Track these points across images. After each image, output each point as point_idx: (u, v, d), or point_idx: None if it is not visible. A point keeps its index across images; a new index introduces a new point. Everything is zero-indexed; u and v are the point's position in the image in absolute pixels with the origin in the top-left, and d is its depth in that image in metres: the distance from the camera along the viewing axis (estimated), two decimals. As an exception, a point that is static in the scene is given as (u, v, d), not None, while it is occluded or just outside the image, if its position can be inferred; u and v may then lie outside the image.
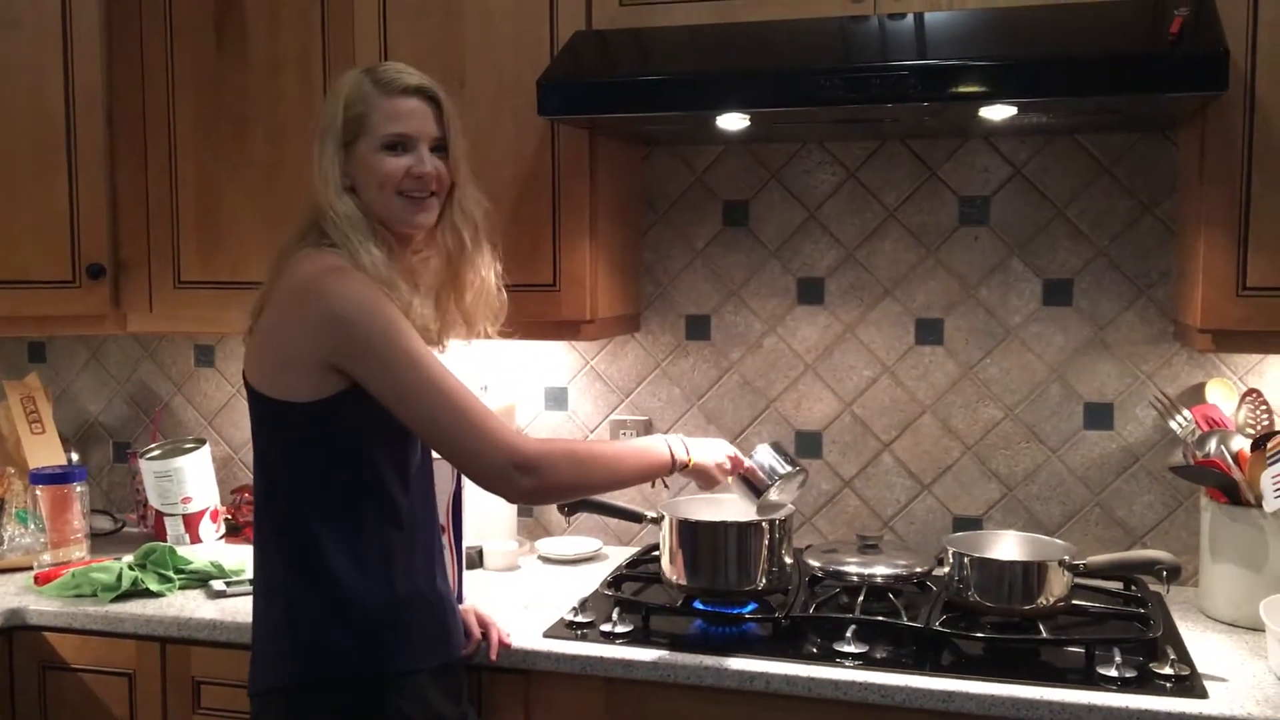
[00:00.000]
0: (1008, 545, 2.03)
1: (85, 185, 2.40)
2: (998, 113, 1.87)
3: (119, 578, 2.16)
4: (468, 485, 2.11)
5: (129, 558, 2.25)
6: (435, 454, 1.85)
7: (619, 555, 2.41)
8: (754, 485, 1.95)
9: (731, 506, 2.14)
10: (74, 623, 2.11)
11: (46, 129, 2.38)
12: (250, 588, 1.86)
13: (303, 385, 1.63)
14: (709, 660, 1.82)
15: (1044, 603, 1.88)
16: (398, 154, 1.70)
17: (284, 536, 1.69)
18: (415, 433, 1.68)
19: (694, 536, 2.01)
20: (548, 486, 1.68)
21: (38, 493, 2.38)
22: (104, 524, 2.71)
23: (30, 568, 2.30)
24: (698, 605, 2.02)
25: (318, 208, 1.69)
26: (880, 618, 1.92)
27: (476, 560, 2.34)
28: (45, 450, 2.58)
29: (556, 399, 2.58)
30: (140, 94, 2.41)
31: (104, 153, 2.42)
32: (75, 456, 2.73)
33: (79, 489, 2.41)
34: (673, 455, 1.83)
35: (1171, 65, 1.68)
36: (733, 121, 2.00)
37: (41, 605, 2.14)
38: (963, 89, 1.77)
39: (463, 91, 2.19)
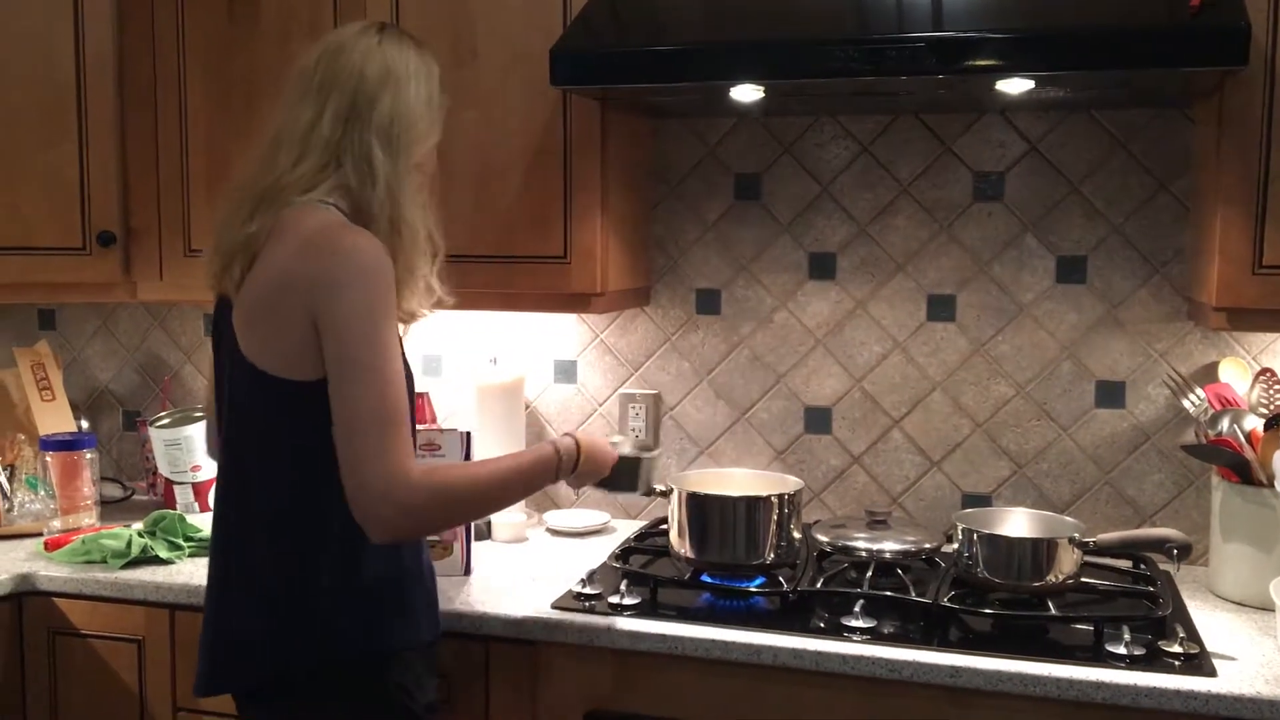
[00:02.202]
0: (1017, 522, 2.02)
1: (96, 152, 2.40)
2: (1014, 86, 1.85)
3: (129, 545, 2.17)
4: (475, 457, 2.11)
5: (138, 525, 2.25)
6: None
7: (627, 528, 2.42)
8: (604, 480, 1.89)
9: (742, 481, 2.15)
10: (84, 589, 2.12)
11: (57, 96, 2.37)
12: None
13: (315, 359, 1.56)
14: (717, 633, 1.82)
15: (1053, 580, 1.88)
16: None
17: (296, 521, 1.62)
18: (334, 412, 1.53)
19: (703, 510, 2.01)
20: (416, 528, 1.60)
21: (48, 459, 2.39)
22: (113, 492, 2.72)
23: (40, 534, 2.31)
24: (706, 578, 2.02)
25: (390, 149, 1.64)
26: (888, 593, 1.91)
27: (485, 532, 2.35)
28: (55, 417, 2.58)
29: (565, 372, 2.57)
30: (151, 61, 2.40)
31: (115, 120, 2.41)
32: (85, 424, 2.74)
33: (89, 456, 2.41)
34: (559, 463, 1.74)
35: (1191, 39, 1.66)
36: (746, 93, 1.98)
37: (51, 571, 2.15)
38: (980, 61, 1.75)
39: (474, 62, 2.18)
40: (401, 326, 1.70)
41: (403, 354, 1.62)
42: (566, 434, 1.79)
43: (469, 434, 2.12)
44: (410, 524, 1.56)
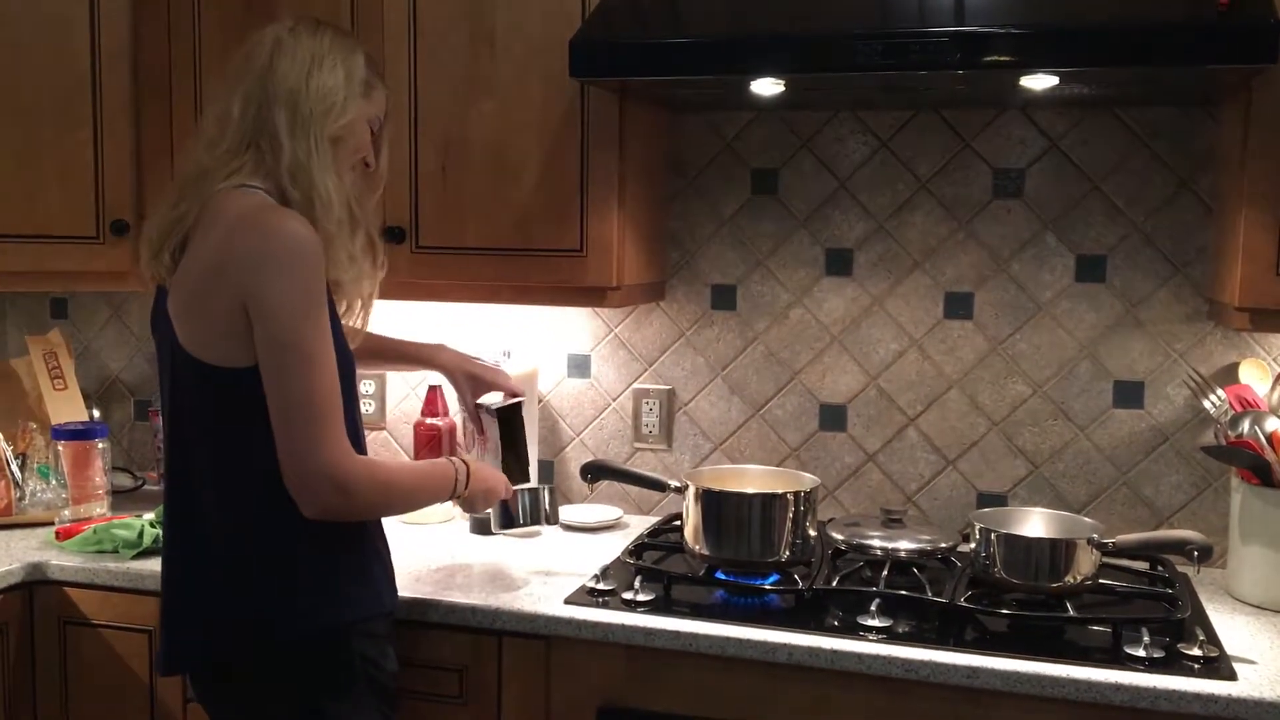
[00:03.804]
0: (1035, 522, 2.01)
1: (110, 140, 2.38)
2: (1038, 82, 1.84)
3: (140, 535, 2.16)
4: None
5: (150, 515, 2.24)
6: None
7: (640, 524, 2.40)
8: (509, 516, 2.01)
9: (757, 478, 2.14)
10: (95, 578, 2.11)
11: (72, 83, 2.36)
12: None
13: (248, 346, 1.58)
14: (731, 630, 1.81)
15: (1071, 581, 1.87)
16: None
17: (246, 502, 1.64)
18: (269, 397, 1.57)
19: (718, 506, 2.00)
20: (348, 510, 1.63)
21: (60, 448, 2.38)
22: (124, 481, 2.71)
23: (51, 523, 2.30)
24: (720, 575, 2.01)
25: (310, 129, 1.65)
26: (904, 592, 1.90)
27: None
28: (67, 406, 2.57)
29: (579, 366, 2.56)
30: (167, 50, 2.39)
31: (129, 108, 2.40)
32: (97, 413, 2.73)
33: (101, 445, 2.40)
34: (455, 476, 1.81)
35: (1220, 36, 1.64)
36: (766, 86, 1.97)
37: (63, 560, 2.14)
38: (1004, 57, 1.73)
39: (492, 53, 2.16)
40: (343, 305, 1.73)
41: (338, 333, 1.65)
42: (468, 475, 1.84)
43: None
44: (346, 505, 1.61)
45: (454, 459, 1.86)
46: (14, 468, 2.43)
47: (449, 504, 1.87)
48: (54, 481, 2.42)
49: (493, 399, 2.08)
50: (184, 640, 1.72)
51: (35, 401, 2.60)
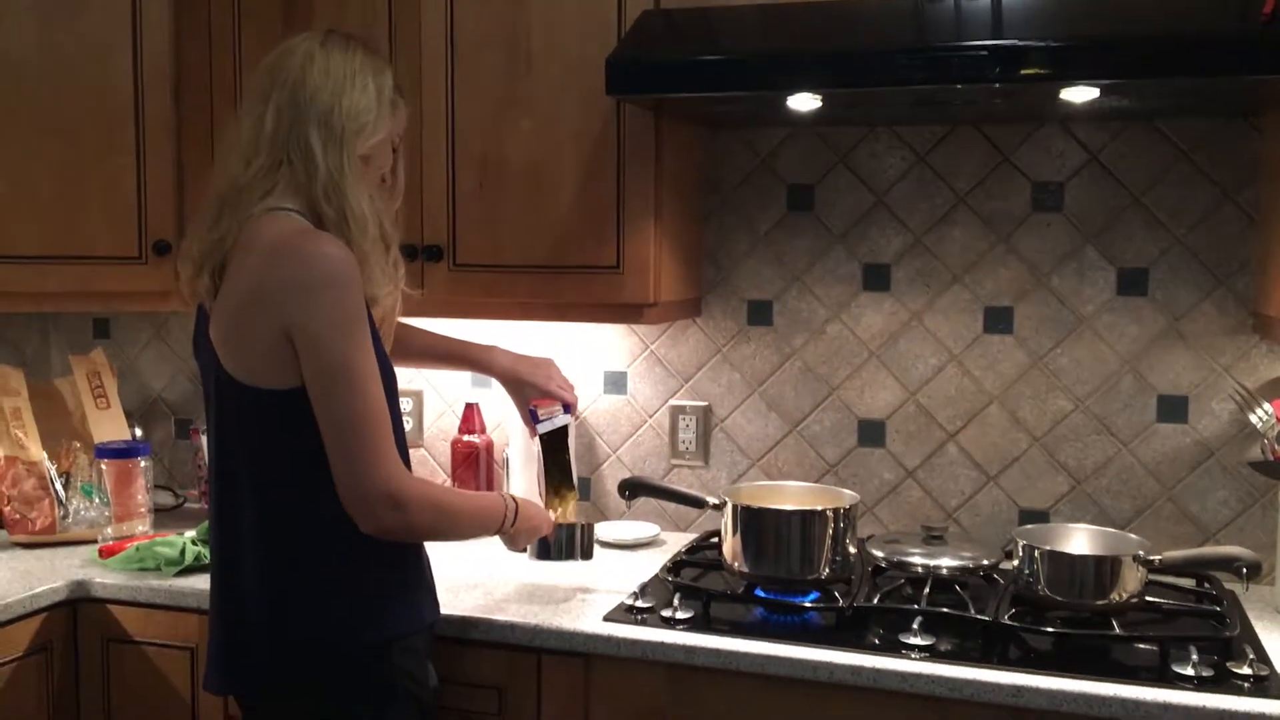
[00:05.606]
0: (1079, 539, 1.98)
1: (153, 161, 2.42)
2: (1079, 95, 1.82)
3: (182, 552, 2.17)
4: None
5: (192, 533, 2.26)
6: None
7: (677, 541, 2.40)
8: (546, 548, 2.03)
9: (795, 495, 2.12)
10: (138, 596, 2.13)
11: (115, 105, 2.40)
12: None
13: (287, 368, 1.59)
14: (772, 648, 1.80)
15: (1117, 598, 1.84)
16: None
17: (288, 519, 1.66)
18: (320, 421, 1.59)
19: (757, 523, 1.99)
20: (405, 528, 1.64)
21: (102, 467, 2.41)
22: (165, 500, 2.73)
23: (95, 541, 2.32)
24: (759, 593, 2.00)
25: (340, 151, 1.66)
26: (946, 610, 1.88)
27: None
28: (110, 425, 2.60)
29: (615, 383, 2.56)
30: (208, 71, 2.42)
31: (172, 129, 2.43)
32: (139, 432, 2.76)
33: (143, 464, 2.43)
34: (505, 512, 1.85)
35: (1264, 46, 1.62)
36: (804, 103, 1.96)
37: (106, 578, 2.16)
38: (1044, 70, 1.72)
39: (529, 72, 2.18)
40: (377, 318, 1.73)
41: (379, 349, 1.66)
42: (516, 512, 1.87)
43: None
44: (402, 521, 1.62)
45: (506, 495, 1.88)
46: (58, 486, 2.45)
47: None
48: (97, 500, 2.45)
49: (547, 408, 2.10)
50: (230, 658, 1.73)
51: (79, 421, 2.62)
